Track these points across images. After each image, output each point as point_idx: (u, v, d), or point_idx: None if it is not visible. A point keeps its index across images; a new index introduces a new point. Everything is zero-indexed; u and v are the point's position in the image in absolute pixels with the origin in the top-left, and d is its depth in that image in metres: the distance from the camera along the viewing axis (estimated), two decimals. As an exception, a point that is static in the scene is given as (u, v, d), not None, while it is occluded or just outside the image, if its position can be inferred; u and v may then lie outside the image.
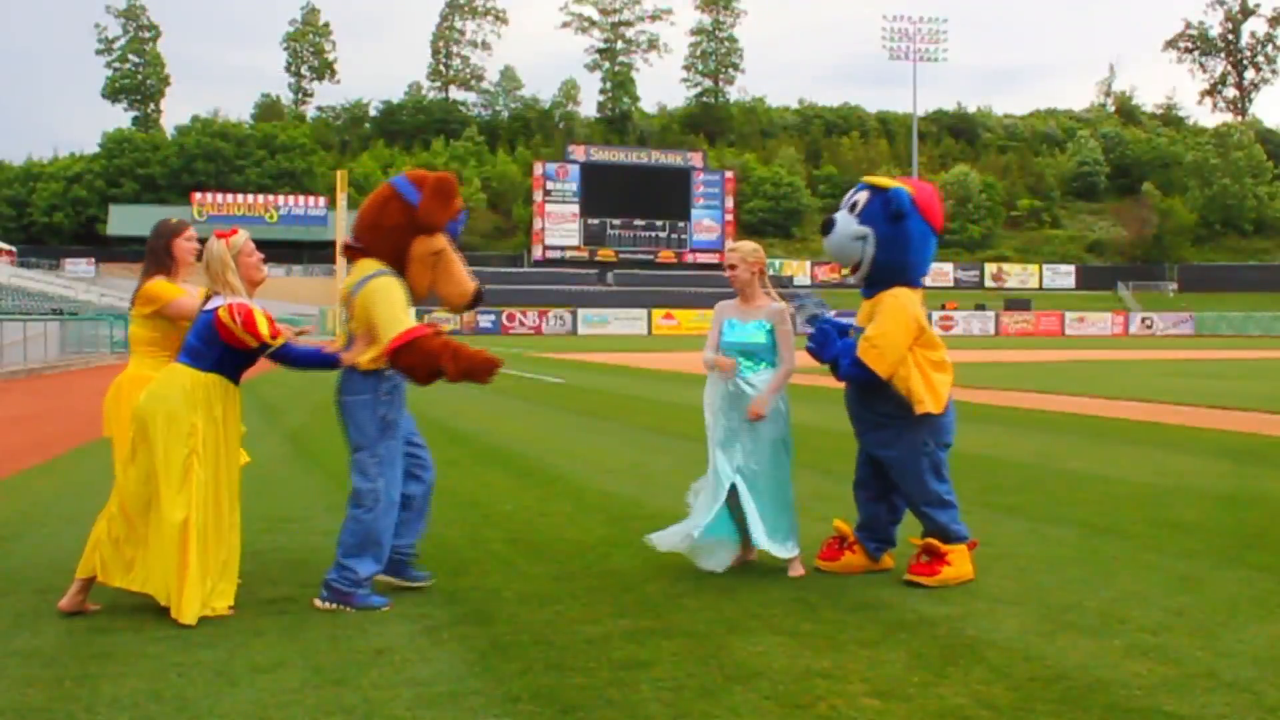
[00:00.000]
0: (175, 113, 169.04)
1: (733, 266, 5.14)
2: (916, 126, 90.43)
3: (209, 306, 4.48)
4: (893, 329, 4.86)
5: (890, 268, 4.95)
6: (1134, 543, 5.73)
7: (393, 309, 4.45)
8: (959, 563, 4.86)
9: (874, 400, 4.98)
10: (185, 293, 4.84)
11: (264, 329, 4.42)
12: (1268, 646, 3.92)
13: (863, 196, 5.00)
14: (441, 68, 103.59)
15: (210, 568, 4.34)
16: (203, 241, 4.79)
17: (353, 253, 4.74)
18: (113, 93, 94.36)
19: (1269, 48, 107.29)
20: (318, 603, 4.49)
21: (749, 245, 5.25)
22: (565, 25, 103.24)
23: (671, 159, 79.67)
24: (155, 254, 4.95)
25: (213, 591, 4.34)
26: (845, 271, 5.16)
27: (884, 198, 4.91)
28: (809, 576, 5.00)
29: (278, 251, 76.95)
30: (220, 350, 4.45)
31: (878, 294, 4.98)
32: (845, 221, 4.98)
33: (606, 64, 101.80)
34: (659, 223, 75.65)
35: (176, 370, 4.47)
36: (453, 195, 4.67)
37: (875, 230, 4.91)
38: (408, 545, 4.78)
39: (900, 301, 4.91)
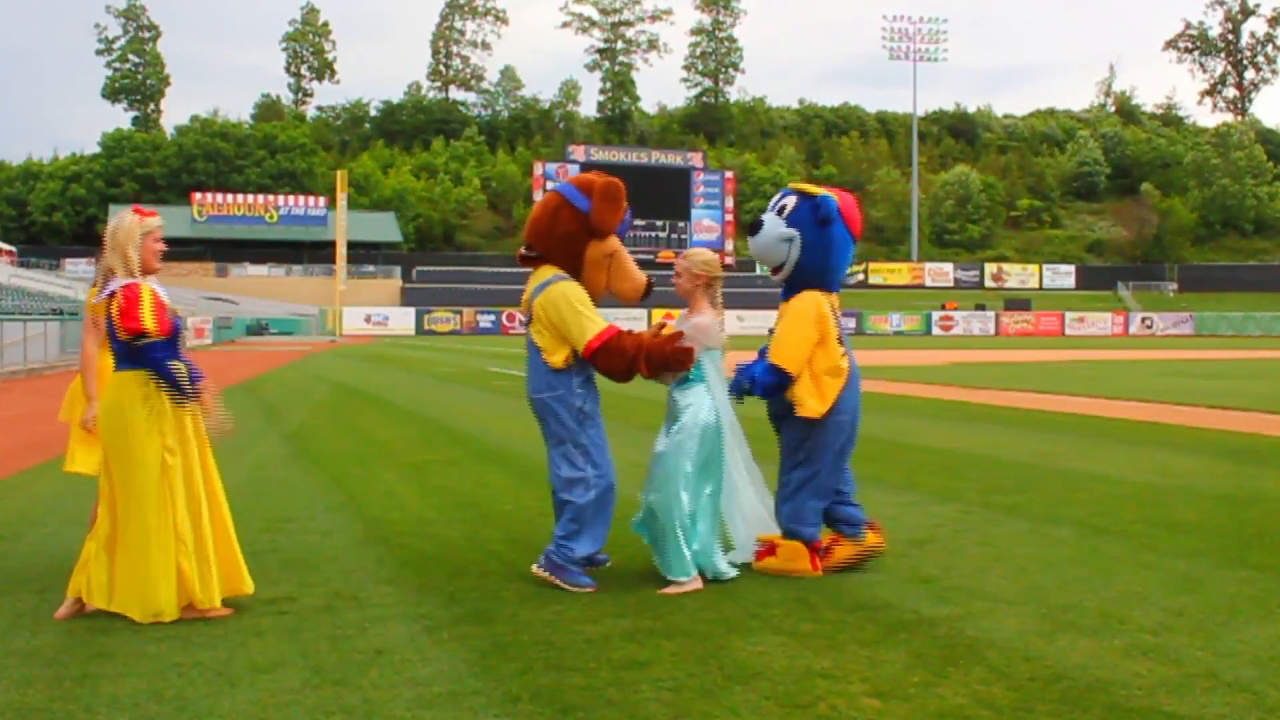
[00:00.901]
0: (175, 113, 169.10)
1: (677, 275, 5.05)
2: (916, 126, 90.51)
3: (98, 298, 4.34)
4: (795, 331, 5.00)
5: (811, 271, 5.10)
6: (1134, 543, 5.73)
7: (579, 314, 4.73)
8: (787, 557, 5.02)
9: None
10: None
11: (149, 320, 4.21)
12: (1268, 646, 3.92)
13: (791, 200, 5.14)
14: (441, 68, 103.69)
15: (192, 561, 4.27)
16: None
17: (528, 260, 4.99)
18: (113, 93, 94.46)
19: (1269, 48, 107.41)
20: (535, 569, 4.82)
21: (700, 256, 5.10)
22: (565, 25, 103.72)
23: (671, 159, 79.70)
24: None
25: (199, 584, 4.28)
26: (766, 271, 5.36)
27: (813, 203, 5.06)
28: (809, 577, 4.99)
29: (277, 251, 77.09)
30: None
31: (785, 300, 5.18)
32: (773, 223, 5.13)
33: (606, 64, 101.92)
34: (659, 223, 75.63)
35: (117, 380, 4.35)
36: (620, 199, 4.86)
37: (802, 233, 5.05)
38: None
39: (805, 305, 5.03)
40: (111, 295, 4.30)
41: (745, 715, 3.28)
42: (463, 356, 31.47)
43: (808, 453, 5.07)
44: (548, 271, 4.88)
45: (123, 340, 4.29)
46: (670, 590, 4.68)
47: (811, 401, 4.95)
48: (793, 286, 5.14)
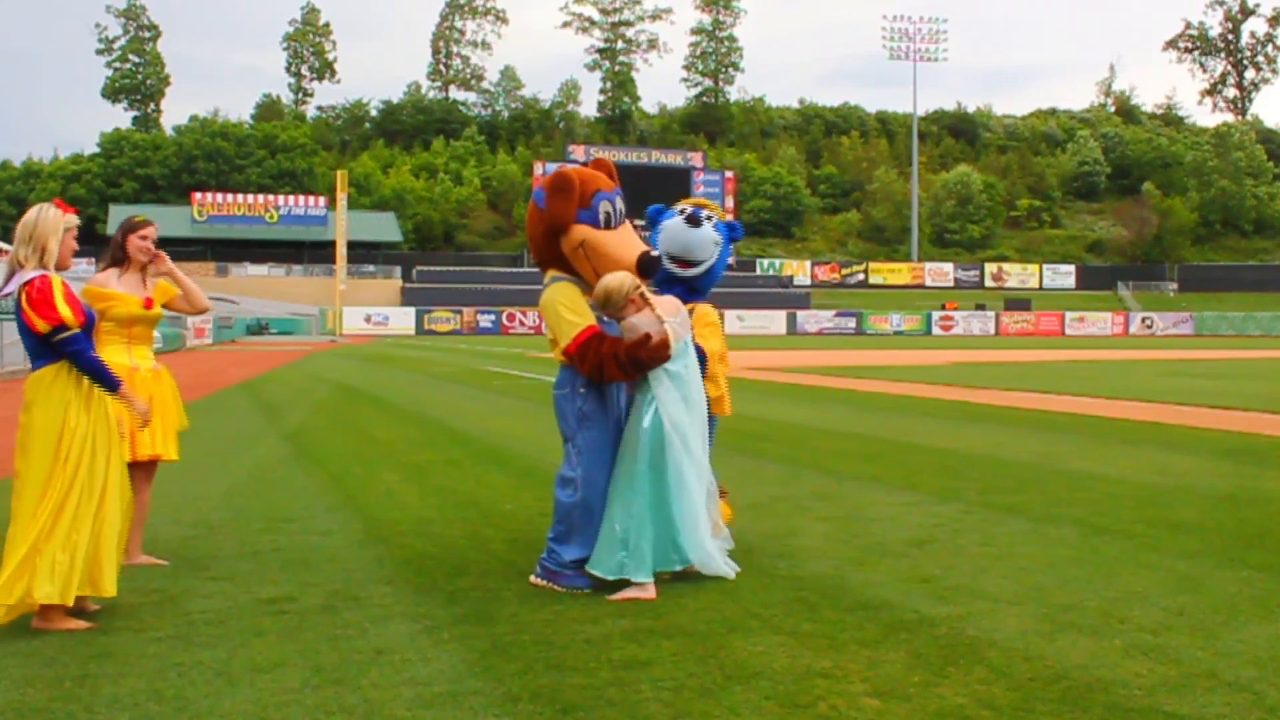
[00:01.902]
0: (175, 113, 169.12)
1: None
2: (917, 126, 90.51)
3: (8, 289, 4.26)
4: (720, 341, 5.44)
5: (709, 281, 5.51)
6: (1134, 543, 5.73)
7: (561, 317, 4.75)
8: None
9: None
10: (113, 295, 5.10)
11: (65, 311, 4.13)
12: (1268, 646, 3.92)
13: (712, 215, 5.50)
14: (441, 67, 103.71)
15: (64, 546, 4.15)
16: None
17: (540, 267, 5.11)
18: (113, 92, 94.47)
19: (1269, 48, 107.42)
20: (532, 578, 4.84)
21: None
22: (565, 25, 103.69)
23: (672, 159, 79.75)
24: (110, 248, 5.22)
25: (71, 573, 4.14)
26: (680, 269, 5.42)
27: (730, 224, 5.55)
28: (809, 577, 4.99)
29: (278, 251, 77.14)
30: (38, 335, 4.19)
31: (693, 303, 5.31)
32: (708, 224, 5.41)
33: (606, 64, 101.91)
34: (659, 222, 75.57)
35: (33, 379, 4.29)
36: (567, 187, 4.78)
37: (721, 246, 5.45)
38: None
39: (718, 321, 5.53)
40: (25, 286, 4.20)
41: (745, 715, 3.28)
42: (463, 356, 31.48)
43: None
44: (550, 273, 4.96)
45: (39, 334, 4.19)
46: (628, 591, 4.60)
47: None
48: (694, 291, 5.43)
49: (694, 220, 5.34)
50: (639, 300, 4.73)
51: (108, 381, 4.30)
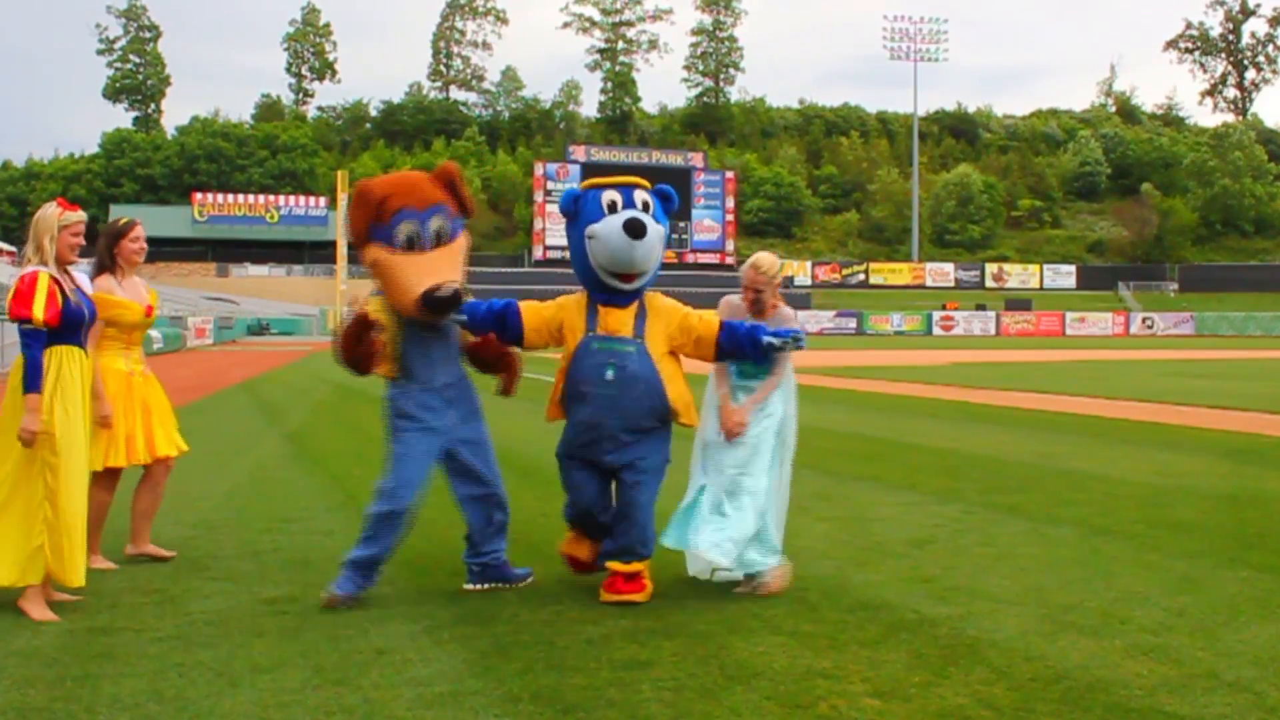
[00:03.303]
0: (176, 113, 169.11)
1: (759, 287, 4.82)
2: (917, 126, 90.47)
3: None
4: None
5: (658, 271, 4.73)
6: (1134, 543, 5.73)
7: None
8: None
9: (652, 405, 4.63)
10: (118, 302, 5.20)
11: (37, 309, 4.31)
12: (1268, 646, 3.92)
13: (647, 196, 4.63)
14: (442, 68, 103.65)
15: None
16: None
17: None
18: (113, 93, 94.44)
19: (1269, 48, 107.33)
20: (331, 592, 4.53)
21: (769, 260, 4.85)
22: (566, 25, 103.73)
23: (672, 159, 79.67)
24: (97, 255, 5.31)
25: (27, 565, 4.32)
26: (624, 283, 4.58)
27: (663, 195, 4.70)
28: (809, 577, 4.99)
29: (278, 251, 77.12)
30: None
31: (634, 302, 4.65)
32: (653, 223, 4.53)
33: (607, 64, 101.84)
34: (659, 223, 75.61)
35: (15, 366, 4.49)
36: (363, 204, 4.37)
37: (665, 230, 4.69)
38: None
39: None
40: (18, 279, 4.44)
41: (746, 715, 3.28)
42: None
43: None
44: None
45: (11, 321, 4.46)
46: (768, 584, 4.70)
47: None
48: (637, 292, 4.65)
49: (635, 230, 4.41)
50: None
51: (32, 384, 4.35)
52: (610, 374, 4.54)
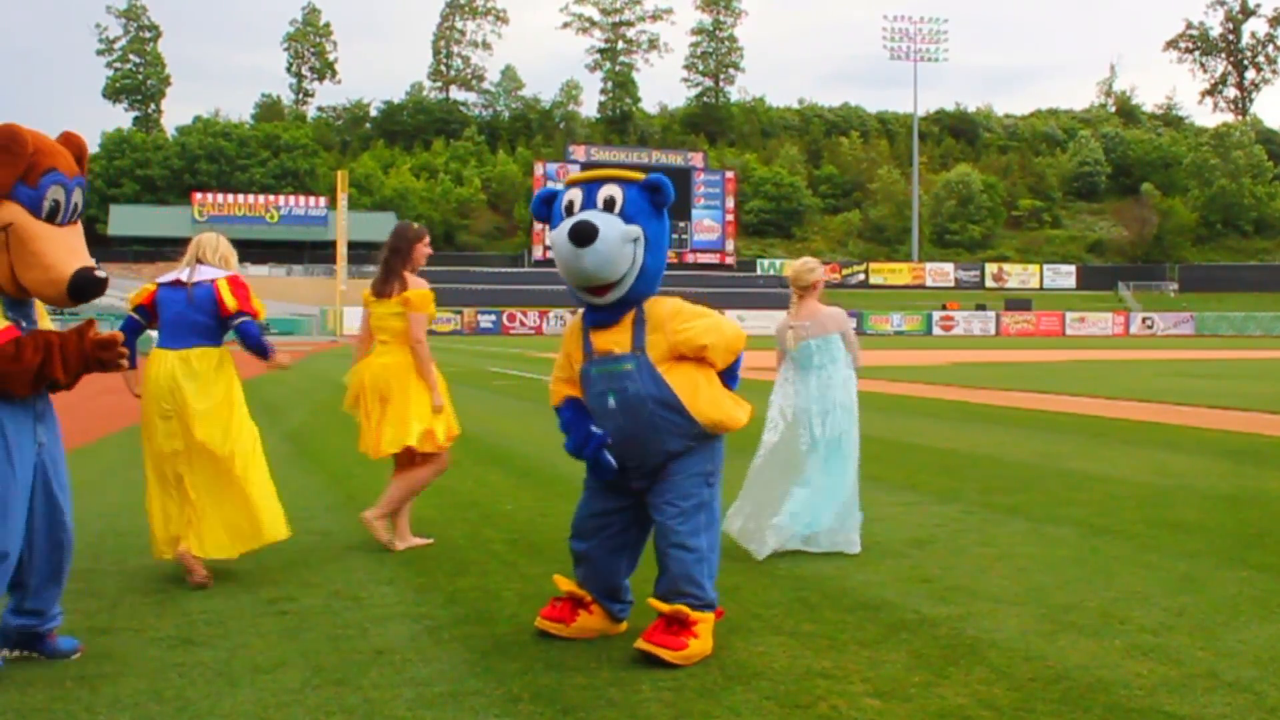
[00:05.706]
0: (176, 113, 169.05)
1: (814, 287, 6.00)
2: (917, 126, 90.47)
3: (203, 278, 5.09)
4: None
5: (653, 275, 3.98)
6: (1134, 543, 5.73)
7: None
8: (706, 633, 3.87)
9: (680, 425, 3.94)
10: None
11: (259, 304, 5.18)
12: (1268, 646, 3.92)
13: (615, 190, 3.89)
14: (442, 68, 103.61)
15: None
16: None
17: None
18: (113, 93, 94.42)
19: (1269, 48, 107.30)
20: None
21: (811, 264, 5.97)
22: (566, 25, 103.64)
23: (672, 159, 79.63)
24: (400, 256, 5.87)
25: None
26: (594, 296, 3.92)
27: (648, 186, 3.94)
28: (809, 577, 4.99)
29: (278, 251, 77.09)
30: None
31: (628, 314, 3.96)
32: (610, 223, 3.80)
33: (607, 64, 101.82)
34: (659, 222, 75.59)
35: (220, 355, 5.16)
36: (14, 148, 3.53)
37: (646, 229, 3.91)
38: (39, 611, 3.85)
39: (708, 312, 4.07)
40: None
41: (746, 715, 3.28)
42: (463, 356, 31.47)
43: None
44: None
45: (224, 318, 5.07)
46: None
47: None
48: (626, 303, 3.93)
49: (581, 236, 3.73)
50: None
51: (269, 350, 5.22)
52: (612, 402, 3.92)
